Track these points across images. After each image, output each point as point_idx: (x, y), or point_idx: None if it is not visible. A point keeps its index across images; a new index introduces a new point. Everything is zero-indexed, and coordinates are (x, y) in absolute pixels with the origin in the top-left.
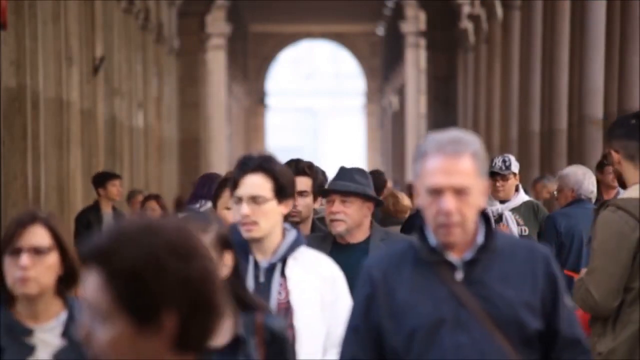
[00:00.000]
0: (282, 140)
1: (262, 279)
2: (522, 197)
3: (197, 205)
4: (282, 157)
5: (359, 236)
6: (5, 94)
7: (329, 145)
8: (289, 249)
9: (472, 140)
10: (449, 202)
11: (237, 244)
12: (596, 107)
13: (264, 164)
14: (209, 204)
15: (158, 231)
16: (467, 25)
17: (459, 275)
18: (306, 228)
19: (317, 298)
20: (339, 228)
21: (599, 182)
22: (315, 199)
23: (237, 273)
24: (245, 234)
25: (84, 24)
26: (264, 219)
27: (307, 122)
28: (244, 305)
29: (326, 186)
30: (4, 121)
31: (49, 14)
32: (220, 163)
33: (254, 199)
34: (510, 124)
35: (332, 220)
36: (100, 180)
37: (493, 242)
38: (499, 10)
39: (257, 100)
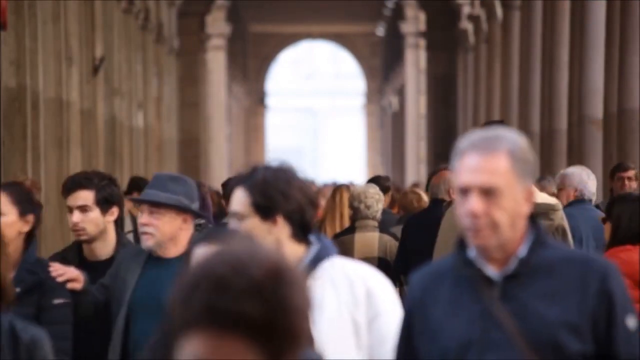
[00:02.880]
0: (282, 140)
1: None
2: None
3: None
4: (282, 158)
5: (173, 251)
6: (5, 94)
7: (329, 146)
8: (308, 266)
9: (511, 138)
10: (474, 202)
11: None
12: (596, 107)
13: (246, 178)
14: None
15: (281, 282)
16: (467, 25)
17: (497, 292)
18: (108, 246)
19: (348, 322)
20: (147, 242)
21: (610, 189)
22: (105, 212)
23: None
24: None
25: (83, 24)
26: None
27: (307, 122)
28: None
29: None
30: (3, 121)
31: (48, 14)
32: (220, 163)
33: (235, 216)
34: (510, 124)
35: (141, 233)
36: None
37: (537, 255)
38: (499, 11)
39: (257, 100)
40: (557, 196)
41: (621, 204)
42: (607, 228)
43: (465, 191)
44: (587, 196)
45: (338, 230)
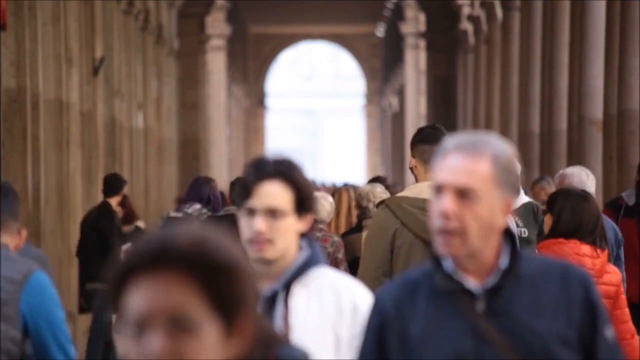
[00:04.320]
0: (282, 141)
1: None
2: (522, 198)
3: (187, 206)
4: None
5: None
6: (5, 95)
7: (329, 147)
8: (295, 272)
9: (498, 145)
10: (447, 202)
11: None
12: (596, 108)
13: (285, 169)
14: (197, 206)
15: (216, 233)
16: (466, 26)
17: (480, 306)
18: None
19: (330, 335)
20: None
21: (638, 185)
22: None
23: None
24: (256, 254)
25: (83, 25)
26: (281, 237)
27: (307, 123)
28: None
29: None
30: (3, 122)
31: (48, 15)
32: (220, 164)
33: (272, 213)
34: (510, 125)
35: None
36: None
37: (519, 265)
38: (499, 12)
39: (257, 101)
40: None
41: (564, 198)
42: (547, 220)
43: (440, 190)
44: None
45: (334, 232)
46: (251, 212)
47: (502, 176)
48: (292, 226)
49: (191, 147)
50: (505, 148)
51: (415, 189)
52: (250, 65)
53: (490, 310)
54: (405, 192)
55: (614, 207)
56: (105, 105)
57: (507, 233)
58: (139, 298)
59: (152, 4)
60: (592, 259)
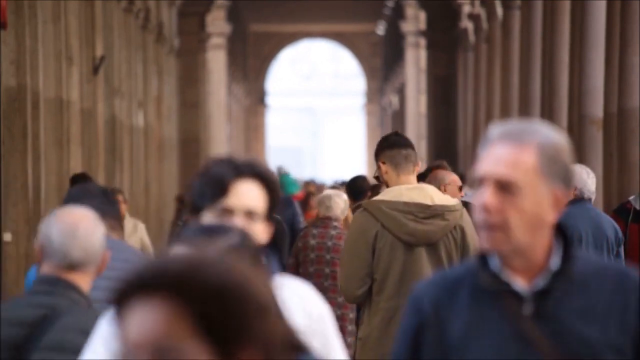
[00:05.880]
0: (282, 140)
1: None
2: None
3: None
4: (282, 157)
5: None
6: (5, 94)
7: (329, 145)
8: None
9: (544, 133)
10: (487, 196)
11: None
12: (596, 107)
13: (262, 171)
14: None
15: (220, 258)
16: (467, 24)
17: (528, 309)
18: None
19: None
20: None
21: None
22: None
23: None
24: None
25: (84, 24)
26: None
27: (307, 122)
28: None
29: None
30: (4, 121)
31: (49, 14)
32: None
33: (249, 215)
34: None
35: None
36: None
37: (571, 267)
38: (499, 10)
39: (257, 100)
40: None
41: None
42: None
43: (481, 182)
44: (587, 195)
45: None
46: (227, 212)
47: (549, 166)
48: (263, 233)
49: (191, 145)
50: (554, 136)
51: (393, 193)
52: (251, 63)
53: (537, 314)
54: (382, 196)
55: (621, 212)
56: (105, 104)
57: (560, 231)
58: (128, 326)
59: (153, 3)
60: None
